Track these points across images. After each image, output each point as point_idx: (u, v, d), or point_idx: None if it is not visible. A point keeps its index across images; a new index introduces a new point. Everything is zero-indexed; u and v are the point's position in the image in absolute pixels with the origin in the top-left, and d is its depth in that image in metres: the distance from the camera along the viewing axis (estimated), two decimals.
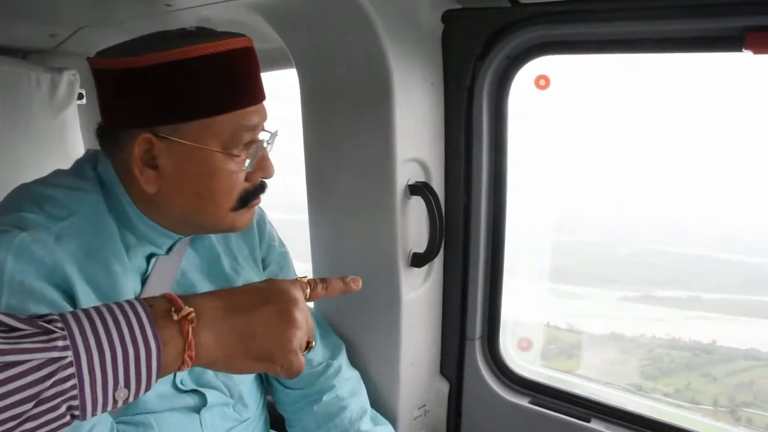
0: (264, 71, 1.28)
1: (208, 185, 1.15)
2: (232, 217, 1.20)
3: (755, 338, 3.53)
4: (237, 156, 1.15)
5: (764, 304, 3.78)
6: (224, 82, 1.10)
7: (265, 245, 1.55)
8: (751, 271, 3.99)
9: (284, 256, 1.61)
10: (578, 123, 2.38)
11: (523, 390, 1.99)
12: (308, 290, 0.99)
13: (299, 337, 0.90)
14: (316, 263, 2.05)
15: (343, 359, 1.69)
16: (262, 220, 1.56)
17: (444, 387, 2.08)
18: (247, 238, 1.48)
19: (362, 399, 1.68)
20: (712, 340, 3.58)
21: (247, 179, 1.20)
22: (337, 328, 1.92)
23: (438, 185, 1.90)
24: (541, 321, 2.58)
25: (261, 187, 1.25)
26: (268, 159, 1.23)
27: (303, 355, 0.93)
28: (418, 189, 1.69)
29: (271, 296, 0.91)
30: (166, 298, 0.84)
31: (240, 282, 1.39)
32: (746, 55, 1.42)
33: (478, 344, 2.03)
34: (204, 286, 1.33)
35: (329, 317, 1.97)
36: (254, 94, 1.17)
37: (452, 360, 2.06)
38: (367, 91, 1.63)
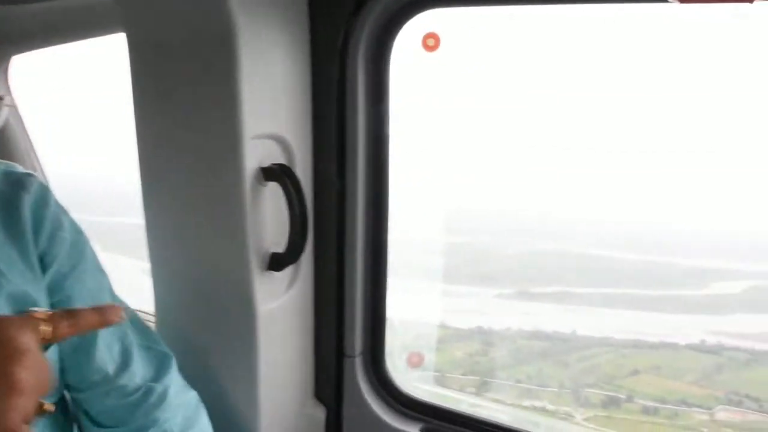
0: (93, 37, 0.88)
1: None
2: None
3: (612, 326, 3.77)
4: None
5: (626, 295, 4.03)
6: None
7: (45, 236, 1.10)
8: (620, 266, 4.14)
9: (77, 248, 1.17)
10: (473, 92, 2.08)
11: (414, 414, 1.71)
12: (48, 328, 0.72)
13: (22, 406, 0.66)
14: (155, 268, 1.62)
15: (171, 379, 1.29)
16: (39, 203, 1.11)
17: (319, 413, 1.74)
18: (13, 232, 1.05)
19: (202, 430, 1.33)
20: (572, 330, 3.79)
21: None
22: (181, 344, 1.50)
23: (304, 169, 1.53)
24: (421, 321, 2.54)
25: None
26: None
27: (36, 421, 0.69)
28: (275, 173, 1.28)
29: None
30: None
31: (2, 299, 1.00)
32: (672, 6, 1.14)
33: (359, 361, 1.71)
34: None
35: (171, 326, 1.57)
36: None
37: (329, 381, 1.73)
38: (207, 53, 1.34)
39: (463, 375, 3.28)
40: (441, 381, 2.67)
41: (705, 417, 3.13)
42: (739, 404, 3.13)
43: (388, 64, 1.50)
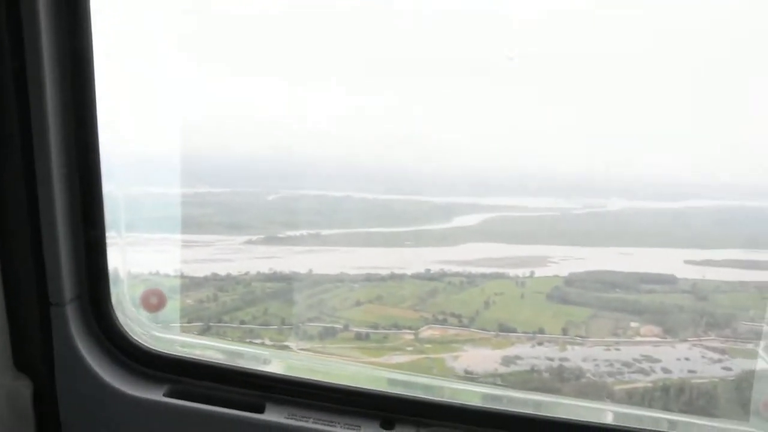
0: None
1: None
2: None
3: (349, 264, 4.09)
4: None
5: (374, 234, 4.44)
6: None
7: None
8: (374, 206, 4.52)
9: None
10: None
11: (158, 374, 1.42)
12: None
13: None
14: None
15: None
16: None
17: (24, 388, 1.36)
18: None
19: None
20: (309, 269, 4.01)
21: None
22: None
23: None
24: (150, 271, 2.42)
25: None
26: None
27: None
28: None
29: None
30: None
31: None
32: None
33: (71, 310, 1.35)
34: None
35: None
36: None
37: (32, 343, 1.35)
38: None
39: (188, 323, 3.27)
40: (165, 330, 2.62)
41: (411, 337, 3.56)
42: (443, 322, 3.68)
43: None
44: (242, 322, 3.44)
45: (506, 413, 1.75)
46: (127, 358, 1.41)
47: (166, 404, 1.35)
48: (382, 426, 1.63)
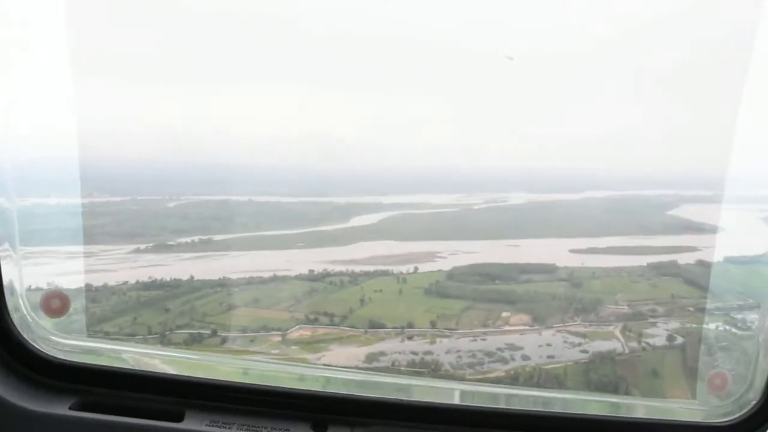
0: None
1: None
2: None
3: (233, 268, 4.11)
4: None
5: (268, 237, 4.48)
6: None
7: None
8: (276, 209, 4.60)
9: None
10: None
11: (63, 385, 1.31)
12: None
13: None
14: None
15: None
16: None
17: None
18: None
19: None
20: (190, 276, 4.00)
21: None
22: None
23: None
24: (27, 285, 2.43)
25: None
26: None
27: None
28: None
29: None
30: None
31: None
32: None
33: None
34: None
35: None
36: None
37: None
38: None
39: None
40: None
41: (279, 338, 3.69)
42: (314, 322, 3.84)
43: None
44: (106, 334, 3.46)
45: (444, 407, 1.71)
46: (27, 368, 1.32)
47: (73, 418, 1.25)
48: (314, 428, 1.58)
